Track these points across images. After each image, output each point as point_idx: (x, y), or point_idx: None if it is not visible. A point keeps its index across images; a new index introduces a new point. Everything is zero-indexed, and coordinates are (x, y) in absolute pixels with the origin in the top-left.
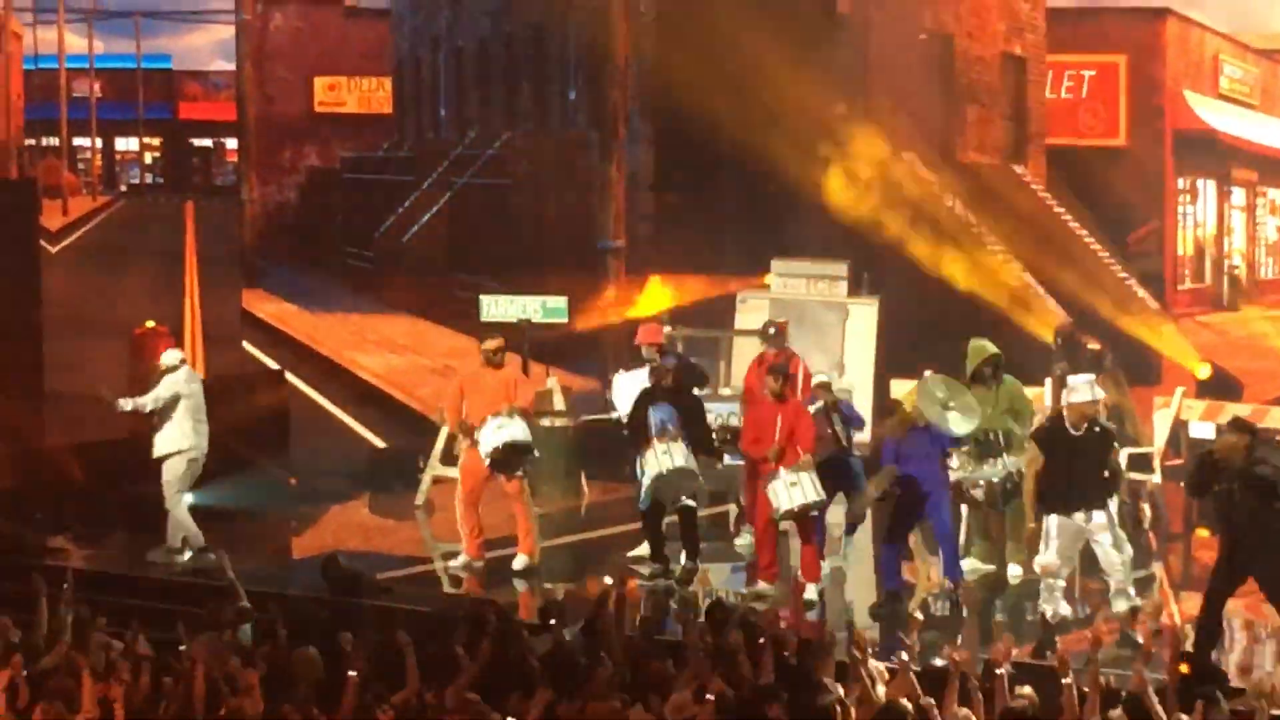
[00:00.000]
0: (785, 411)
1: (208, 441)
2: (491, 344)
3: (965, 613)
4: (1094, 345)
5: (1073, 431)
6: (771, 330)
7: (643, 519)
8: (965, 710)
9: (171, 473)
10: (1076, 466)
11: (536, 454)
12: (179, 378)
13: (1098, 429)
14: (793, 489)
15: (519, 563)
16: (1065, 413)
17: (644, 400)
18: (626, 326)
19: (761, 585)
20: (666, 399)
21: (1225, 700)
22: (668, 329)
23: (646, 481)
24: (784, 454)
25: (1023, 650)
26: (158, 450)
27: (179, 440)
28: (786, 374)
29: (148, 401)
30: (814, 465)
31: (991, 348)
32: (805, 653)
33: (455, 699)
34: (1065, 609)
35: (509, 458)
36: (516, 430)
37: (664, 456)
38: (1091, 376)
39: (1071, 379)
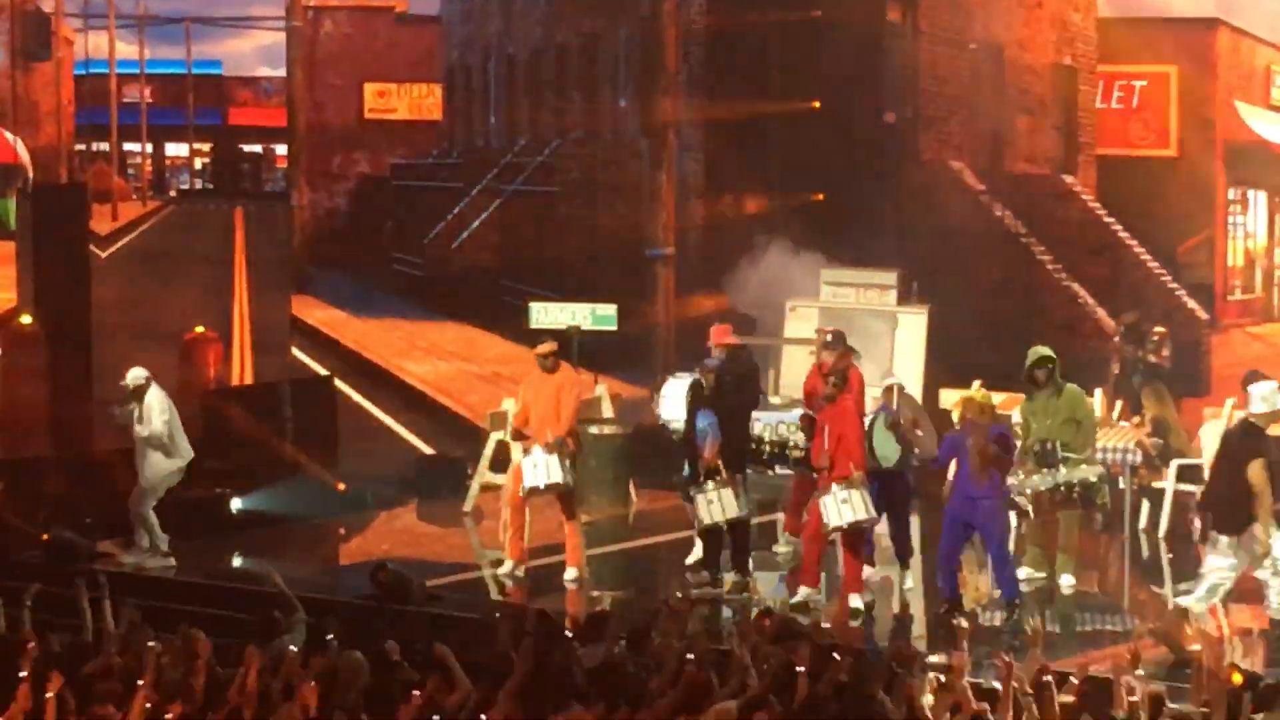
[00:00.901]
0: (832, 415)
1: None
2: (544, 348)
3: (1020, 622)
4: (1159, 329)
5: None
6: (829, 337)
7: (702, 535)
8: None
9: (165, 482)
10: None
11: (571, 482)
12: (160, 392)
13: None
14: (843, 506)
15: (569, 575)
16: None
17: (691, 406)
18: (676, 334)
19: (803, 591)
20: (709, 404)
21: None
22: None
23: (698, 525)
24: (834, 464)
25: (1076, 660)
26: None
27: (186, 453)
28: (842, 376)
29: (160, 429)
30: (865, 482)
31: (1045, 350)
32: (861, 668)
33: (505, 703)
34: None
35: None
36: (554, 473)
37: (713, 507)
38: (1276, 384)
39: (1256, 389)
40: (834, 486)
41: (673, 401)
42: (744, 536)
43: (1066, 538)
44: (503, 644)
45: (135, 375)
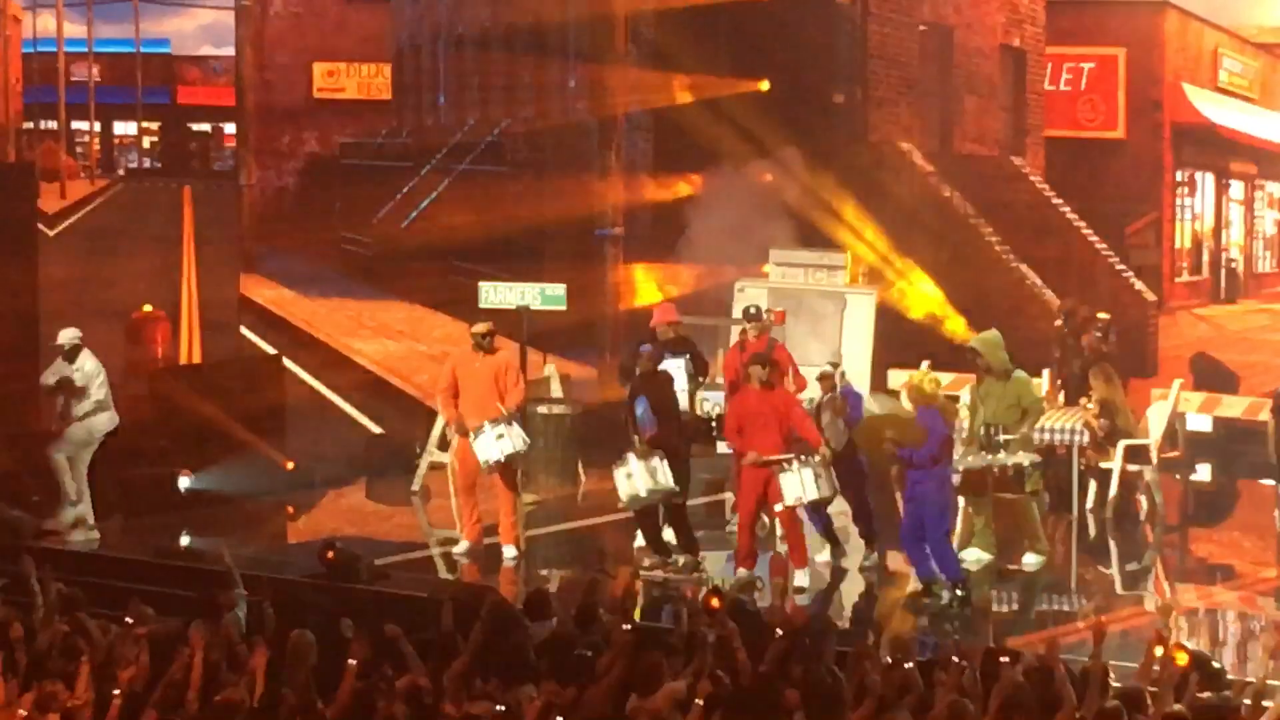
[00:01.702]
0: (774, 402)
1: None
2: (481, 327)
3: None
4: (1102, 315)
5: None
6: (752, 310)
7: (636, 516)
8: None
9: (88, 446)
10: None
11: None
12: (92, 356)
13: None
14: (807, 483)
15: (509, 554)
16: None
17: (631, 393)
18: (624, 314)
19: (742, 572)
20: (643, 389)
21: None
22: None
23: (623, 496)
24: (791, 446)
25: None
26: (105, 428)
27: (112, 419)
28: (771, 361)
29: (103, 397)
30: (829, 459)
31: (978, 338)
32: (812, 638)
33: (453, 684)
34: None
35: (507, 463)
36: (516, 441)
37: (633, 480)
38: None
39: None
40: (795, 463)
41: None
42: (679, 516)
43: (1026, 520)
44: (447, 624)
45: (68, 335)
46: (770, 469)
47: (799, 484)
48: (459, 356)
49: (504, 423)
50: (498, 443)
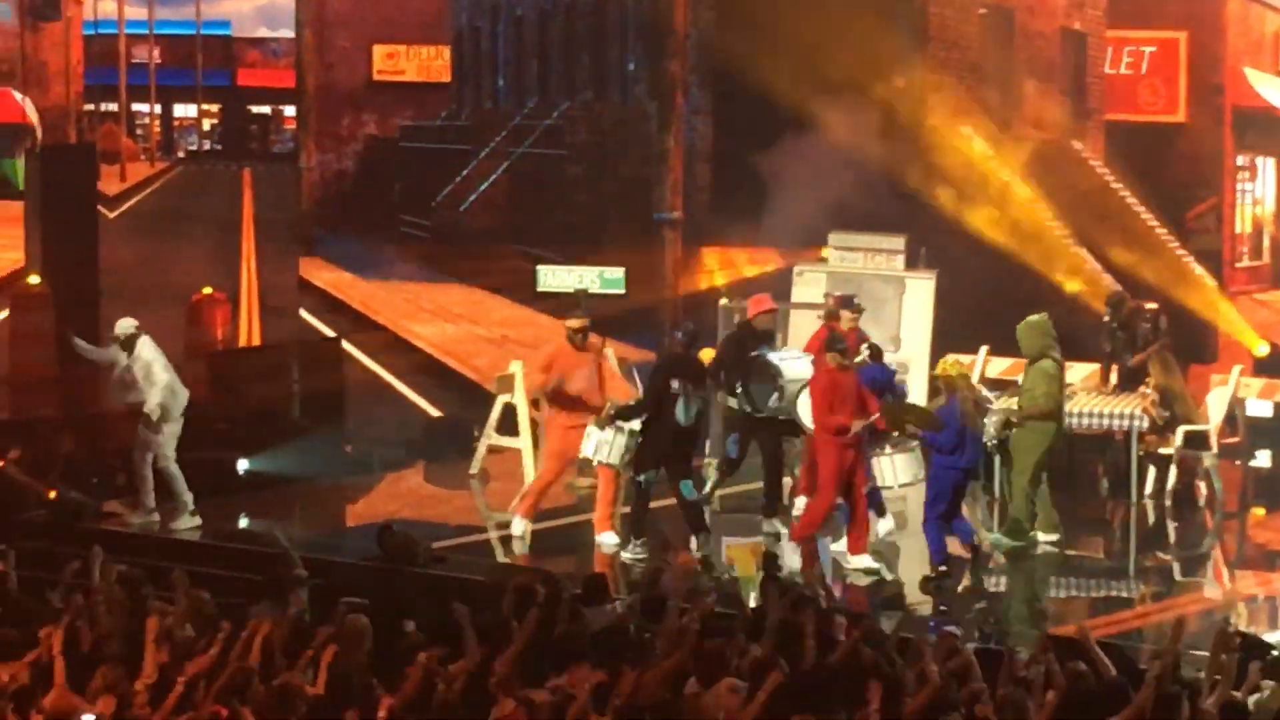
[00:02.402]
0: (854, 383)
1: None
2: (575, 323)
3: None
4: (1150, 305)
5: None
6: (854, 300)
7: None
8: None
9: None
10: None
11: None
12: (151, 343)
13: None
14: (899, 469)
15: (610, 540)
16: None
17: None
18: (683, 299)
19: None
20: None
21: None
22: (724, 301)
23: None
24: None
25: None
26: (182, 405)
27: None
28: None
29: (164, 370)
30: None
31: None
32: (871, 632)
33: (503, 668)
34: None
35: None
36: (615, 454)
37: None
38: None
39: None
40: (888, 446)
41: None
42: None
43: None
44: (505, 609)
45: (125, 325)
46: (859, 450)
47: (891, 470)
48: (559, 347)
49: (613, 429)
50: (600, 446)
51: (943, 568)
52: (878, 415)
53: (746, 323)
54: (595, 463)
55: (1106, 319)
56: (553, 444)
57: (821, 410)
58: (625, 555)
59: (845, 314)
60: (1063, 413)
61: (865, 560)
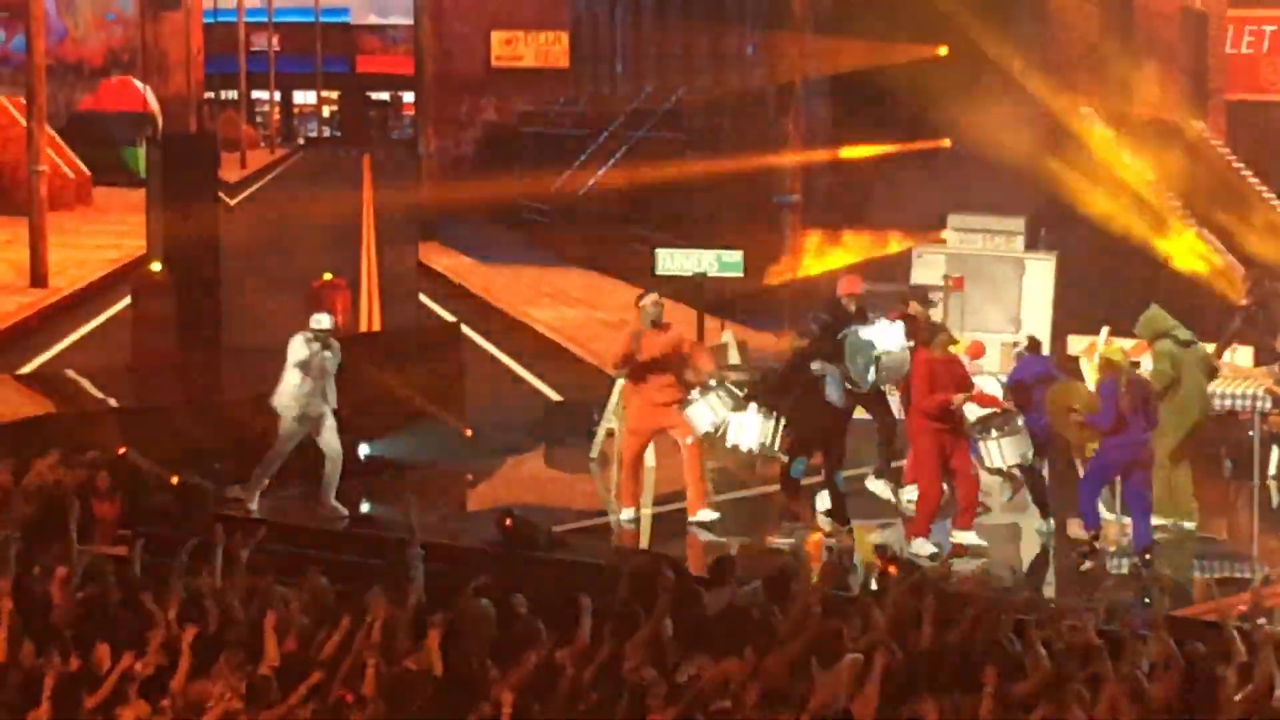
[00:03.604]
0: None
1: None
2: (648, 300)
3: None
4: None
5: None
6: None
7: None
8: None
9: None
10: None
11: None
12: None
13: None
14: (1007, 448)
15: (707, 517)
16: None
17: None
18: (803, 281)
19: (919, 543)
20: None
21: None
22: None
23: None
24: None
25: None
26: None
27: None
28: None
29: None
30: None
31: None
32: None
33: (633, 655)
34: None
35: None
36: (720, 410)
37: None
38: None
39: None
40: (993, 430)
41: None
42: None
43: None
44: (624, 593)
45: (324, 320)
46: (957, 434)
47: (999, 452)
48: (636, 326)
49: (715, 392)
50: (709, 414)
51: (1093, 536)
52: (974, 394)
53: (836, 301)
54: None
55: (1245, 301)
56: (631, 421)
57: (921, 393)
58: (780, 541)
59: (915, 305)
60: (1204, 396)
61: (969, 536)
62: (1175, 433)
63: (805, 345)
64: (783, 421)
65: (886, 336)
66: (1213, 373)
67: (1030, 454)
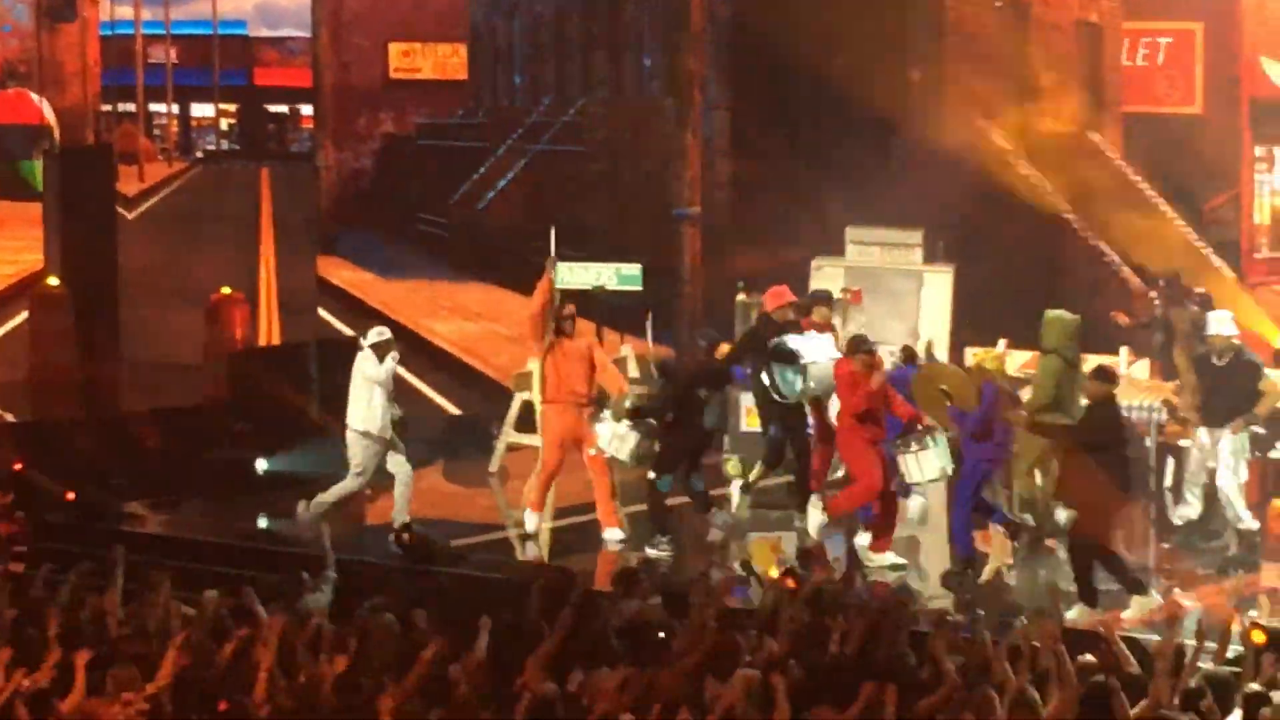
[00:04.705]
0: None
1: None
2: (563, 310)
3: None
4: (1200, 289)
5: (1216, 361)
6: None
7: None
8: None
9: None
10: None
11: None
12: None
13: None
14: (926, 462)
15: (615, 536)
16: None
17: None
18: (702, 294)
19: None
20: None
21: None
22: (741, 296)
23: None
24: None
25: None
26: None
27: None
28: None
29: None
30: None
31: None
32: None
33: (533, 671)
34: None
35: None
36: (623, 450)
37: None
38: (1230, 313)
39: (1211, 316)
40: (913, 443)
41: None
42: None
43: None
44: (533, 610)
45: (381, 333)
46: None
47: (917, 466)
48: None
49: (627, 425)
50: (613, 441)
51: (967, 562)
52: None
53: (766, 315)
54: (594, 454)
55: (1155, 296)
56: (550, 433)
57: (846, 396)
58: (650, 552)
59: (820, 309)
60: (1069, 411)
61: (889, 557)
62: (1035, 449)
63: (694, 369)
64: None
65: (814, 347)
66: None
67: (950, 469)
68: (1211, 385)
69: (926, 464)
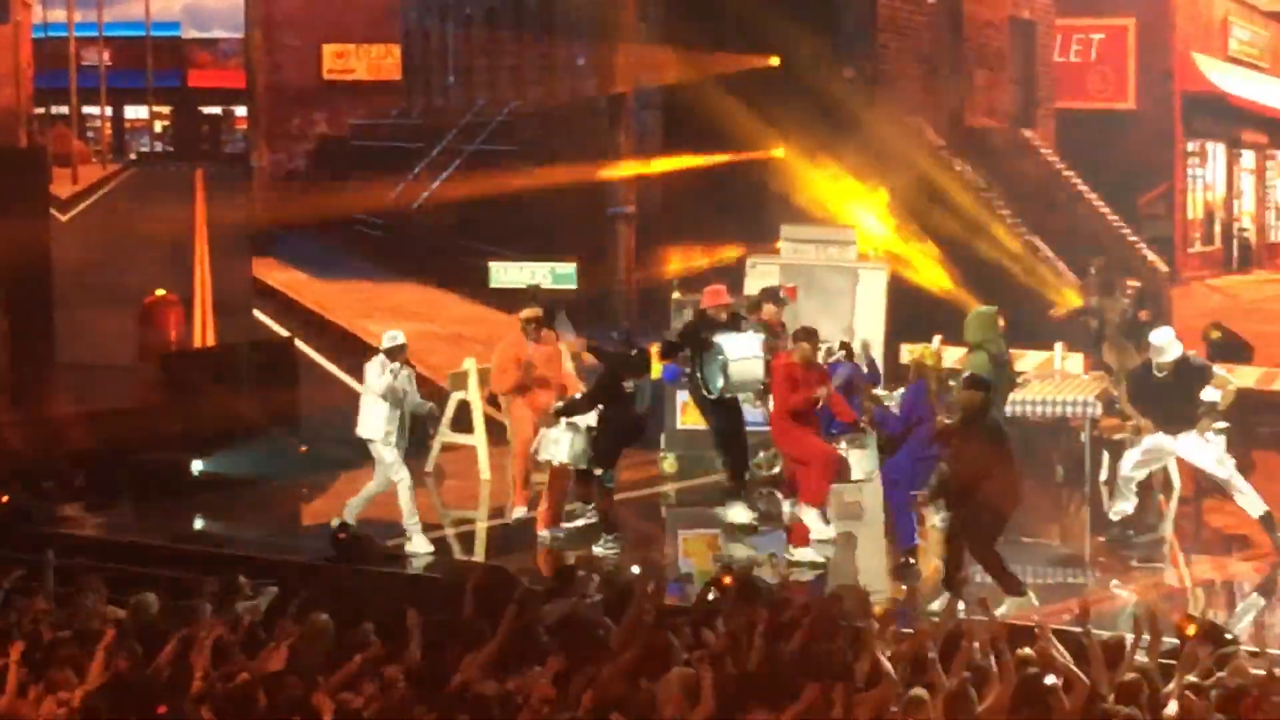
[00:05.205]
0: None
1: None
2: (528, 313)
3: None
4: (1133, 282)
5: (1157, 374)
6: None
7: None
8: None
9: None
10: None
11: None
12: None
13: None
14: (856, 461)
15: (549, 536)
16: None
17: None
18: (637, 292)
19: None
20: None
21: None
22: (676, 294)
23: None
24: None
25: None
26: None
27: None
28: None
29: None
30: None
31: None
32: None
33: (470, 672)
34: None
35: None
36: (564, 450)
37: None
38: (1170, 330)
39: (1153, 337)
40: (843, 443)
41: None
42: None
43: None
44: (469, 611)
45: (397, 336)
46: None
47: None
48: (516, 341)
49: (561, 429)
50: (554, 447)
51: (911, 557)
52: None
53: (702, 313)
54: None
55: (1089, 276)
56: (522, 434)
57: (783, 396)
58: (598, 549)
59: (769, 306)
60: (999, 405)
61: (809, 553)
62: None
63: (614, 361)
64: (592, 433)
65: (739, 345)
66: (1013, 386)
67: (876, 469)
68: (1156, 395)
69: (857, 463)
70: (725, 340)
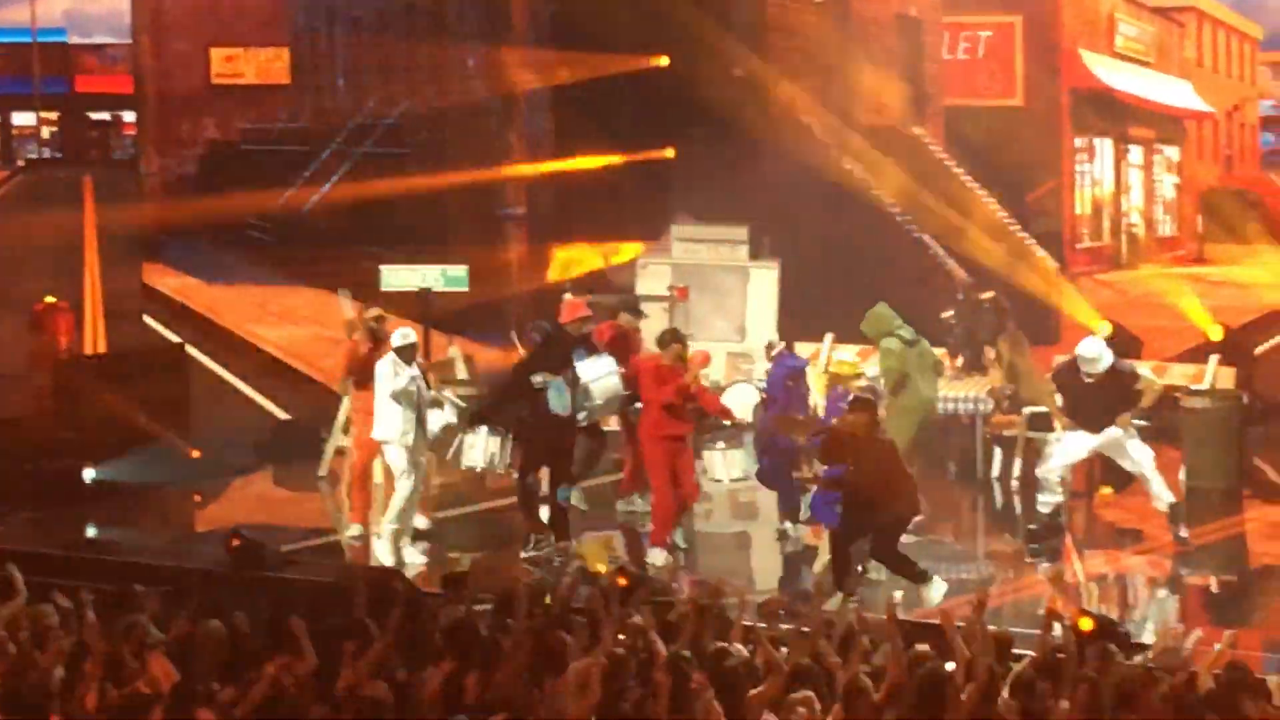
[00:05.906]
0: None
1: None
2: (374, 312)
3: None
4: (986, 295)
5: (1086, 379)
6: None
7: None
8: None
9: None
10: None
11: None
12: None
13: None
14: (733, 461)
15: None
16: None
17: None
18: (529, 294)
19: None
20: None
21: (1125, 655)
22: (568, 295)
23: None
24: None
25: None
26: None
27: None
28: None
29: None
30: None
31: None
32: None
33: (359, 671)
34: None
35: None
36: (479, 455)
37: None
38: (1099, 342)
39: (1080, 348)
40: (720, 442)
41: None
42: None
43: None
44: (359, 611)
45: (407, 335)
46: (686, 445)
47: (724, 464)
48: (354, 345)
49: (475, 432)
50: (470, 450)
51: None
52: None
53: (560, 327)
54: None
55: (949, 317)
56: (361, 434)
57: (651, 391)
58: (523, 554)
59: (625, 316)
60: (933, 394)
61: (659, 555)
62: (905, 433)
63: (524, 359)
64: (510, 438)
65: (594, 367)
66: (939, 370)
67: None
68: (1079, 396)
69: (734, 464)
70: (581, 365)
